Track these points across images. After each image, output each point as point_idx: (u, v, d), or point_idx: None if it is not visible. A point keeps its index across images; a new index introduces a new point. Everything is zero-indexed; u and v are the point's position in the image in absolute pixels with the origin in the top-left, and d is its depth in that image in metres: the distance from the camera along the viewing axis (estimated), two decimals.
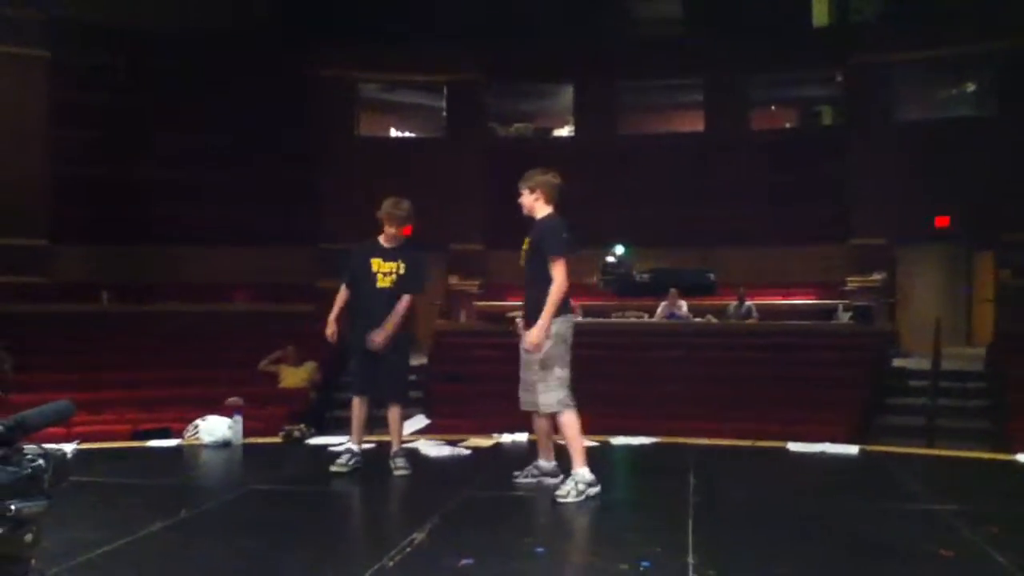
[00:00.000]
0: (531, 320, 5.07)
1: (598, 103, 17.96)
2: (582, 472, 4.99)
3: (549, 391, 5.06)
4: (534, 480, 5.43)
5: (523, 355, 5.18)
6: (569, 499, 4.89)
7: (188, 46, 15.40)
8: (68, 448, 5.87)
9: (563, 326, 5.08)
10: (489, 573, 3.82)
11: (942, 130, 16.06)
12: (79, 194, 14.86)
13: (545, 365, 5.04)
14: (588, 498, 4.92)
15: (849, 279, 16.11)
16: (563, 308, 5.10)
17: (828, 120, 18.38)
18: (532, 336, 4.97)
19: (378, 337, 5.73)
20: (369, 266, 5.91)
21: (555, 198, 5.24)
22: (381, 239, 5.96)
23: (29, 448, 1.91)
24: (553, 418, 5.16)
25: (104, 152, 15.09)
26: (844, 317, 14.42)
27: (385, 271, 5.89)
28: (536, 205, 5.23)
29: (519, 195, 5.26)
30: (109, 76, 15.03)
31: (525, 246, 5.22)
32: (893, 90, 16.55)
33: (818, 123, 18.51)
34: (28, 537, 1.82)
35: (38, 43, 14.72)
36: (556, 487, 5.08)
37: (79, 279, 14.64)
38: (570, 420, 5.06)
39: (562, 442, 5.21)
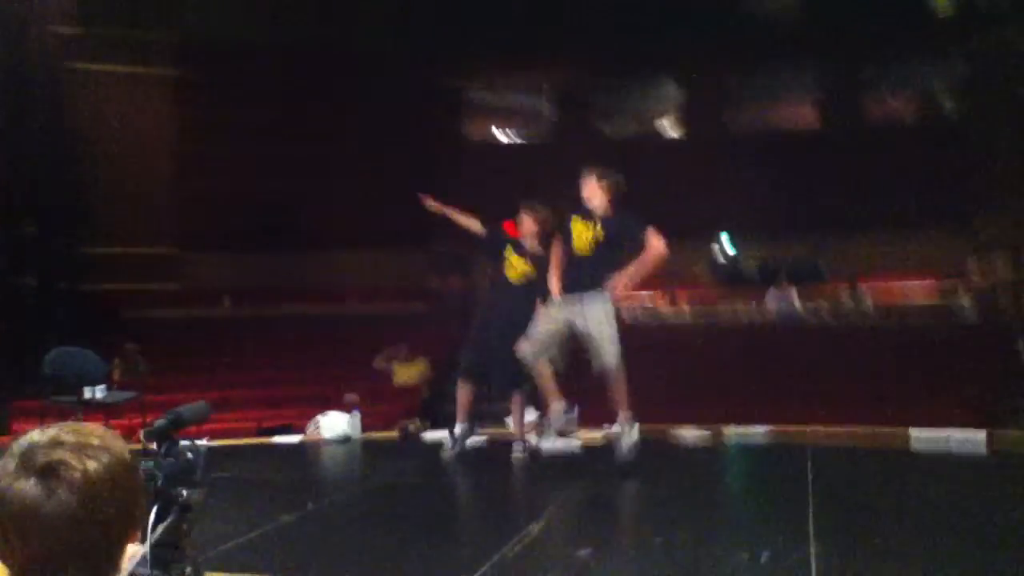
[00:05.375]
0: (584, 288, 5.59)
1: (704, 97, 17.65)
2: (628, 413, 5.63)
3: (613, 345, 5.55)
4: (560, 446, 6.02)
5: (549, 314, 5.66)
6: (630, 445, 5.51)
7: (303, 60, 15.89)
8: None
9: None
10: (607, 564, 3.85)
11: None
12: (205, 204, 15.52)
13: (612, 324, 5.61)
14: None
15: (971, 267, 15.38)
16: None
17: (949, 108, 17.54)
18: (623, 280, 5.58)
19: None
20: (503, 254, 6.13)
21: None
22: (523, 239, 6.19)
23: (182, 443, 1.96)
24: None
25: (228, 164, 15.71)
26: (966, 304, 13.80)
27: (515, 264, 6.08)
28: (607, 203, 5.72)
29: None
30: (232, 91, 15.61)
31: (589, 235, 5.66)
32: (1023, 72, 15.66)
33: (938, 112, 17.69)
34: (185, 526, 1.85)
35: (166, 62, 15.43)
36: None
37: (206, 285, 15.28)
38: (623, 372, 5.64)
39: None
